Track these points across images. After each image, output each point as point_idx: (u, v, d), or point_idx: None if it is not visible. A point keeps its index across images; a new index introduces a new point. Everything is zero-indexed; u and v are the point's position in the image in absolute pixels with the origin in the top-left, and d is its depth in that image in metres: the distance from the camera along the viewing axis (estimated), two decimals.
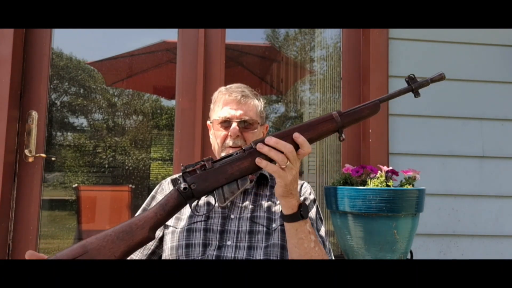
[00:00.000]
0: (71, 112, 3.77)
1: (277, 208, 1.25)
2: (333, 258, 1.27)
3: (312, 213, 1.27)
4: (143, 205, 1.33)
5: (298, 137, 1.01)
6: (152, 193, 1.36)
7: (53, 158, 2.16)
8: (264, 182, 1.34)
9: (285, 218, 1.08)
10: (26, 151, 1.95)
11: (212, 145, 1.38)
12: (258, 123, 1.33)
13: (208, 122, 1.41)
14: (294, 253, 1.10)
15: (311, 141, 1.04)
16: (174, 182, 1.03)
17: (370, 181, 1.28)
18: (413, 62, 2.12)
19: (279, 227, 1.20)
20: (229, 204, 1.25)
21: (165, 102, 4.18)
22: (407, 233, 1.26)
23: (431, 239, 2.02)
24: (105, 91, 4.03)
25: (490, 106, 2.12)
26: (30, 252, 0.93)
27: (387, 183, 1.27)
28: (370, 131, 2.05)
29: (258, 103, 1.37)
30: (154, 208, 1.00)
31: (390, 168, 1.33)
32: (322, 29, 2.66)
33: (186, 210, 1.24)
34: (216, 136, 1.33)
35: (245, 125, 1.30)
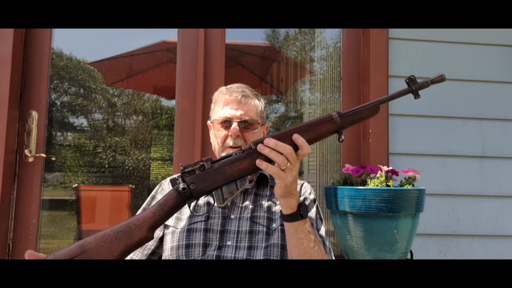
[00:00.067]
0: (71, 112, 3.77)
1: (277, 208, 1.25)
2: (333, 258, 1.27)
3: (312, 213, 1.27)
4: (143, 205, 1.33)
5: (297, 138, 1.01)
6: (152, 193, 1.36)
7: (53, 158, 2.16)
8: (264, 182, 1.34)
9: (285, 217, 1.08)
10: (26, 151, 1.95)
11: (212, 145, 1.38)
12: (259, 123, 1.33)
13: (209, 122, 1.41)
14: (294, 253, 1.10)
15: (310, 142, 1.04)
16: (173, 182, 1.03)
17: (370, 181, 1.28)
18: (413, 62, 2.12)
19: (279, 227, 1.20)
20: (229, 204, 1.25)
21: (165, 102, 4.18)
22: (407, 233, 1.26)
23: (431, 239, 2.02)
24: (105, 91, 4.03)
25: (490, 106, 2.12)
26: (29, 252, 0.93)
27: (387, 183, 1.27)
28: (370, 131, 2.05)
29: (259, 103, 1.37)
30: (153, 208, 1.00)
31: (390, 168, 1.33)
32: (322, 29, 2.66)
33: (186, 210, 1.24)
34: (216, 136, 1.33)
35: (246, 125, 1.30)
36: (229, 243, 1.18)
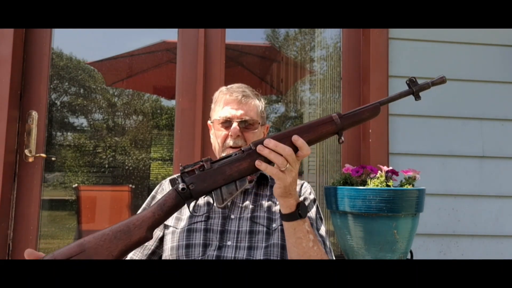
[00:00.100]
0: (71, 112, 3.77)
1: (277, 208, 1.25)
2: (334, 258, 1.27)
3: (312, 212, 1.27)
4: (143, 205, 1.33)
5: (297, 140, 1.01)
6: (153, 193, 1.36)
7: (53, 158, 2.16)
8: (264, 182, 1.34)
9: (284, 217, 1.09)
10: (26, 151, 1.95)
11: (212, 145, 1.38)
12: (259, 123, 1.33)
13: (209, 122, 1.41)
14: (293, 253, 1.10)
15: (310, 143, 1.04)
16: (173, 182, 1.03)
17: (370, 181, 1.28)
18: (413, 62, 2.12)
19: (279, 227, 1.20)
20: (229, 204, 1.25)
21: (165, 102, 4.18)
22: (407, 233, 1.26)
23: (431, 239, 2.02)
24: (105, 91, 4.03)
25: (490, 106, 2.12)
26: (29, 251, 0.93)
27: (387, 183, 1.27)
28: (370, 131, 2.05)
29: (259, 103, 1.37)
30: (152, 208, 1.00)
31: (390, 168, 1.33)
32: (322, 29, 2.66)
33: (187, 211, 1.24)
34: (216, 136, 1.33)
35: (246, 125, 1.30)
36: (229, 243, 1.18)
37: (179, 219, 1.26)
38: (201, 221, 1.22)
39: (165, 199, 1.01)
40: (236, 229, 1.21)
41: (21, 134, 1.97)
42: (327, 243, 1.24)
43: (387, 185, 1.26)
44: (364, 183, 1.32)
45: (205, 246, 1.18)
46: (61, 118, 3.64)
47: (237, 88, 1.35)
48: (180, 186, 1.01)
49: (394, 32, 2.12)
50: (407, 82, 1.11)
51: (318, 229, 1.25)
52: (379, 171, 1.31)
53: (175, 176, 1.05)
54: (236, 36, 2.97)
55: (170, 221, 1.25)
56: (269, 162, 1.00)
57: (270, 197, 1.29)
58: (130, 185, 3.62)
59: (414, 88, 1.10)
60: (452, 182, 2.06)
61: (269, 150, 0.99)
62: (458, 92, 2.10)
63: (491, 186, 2.08)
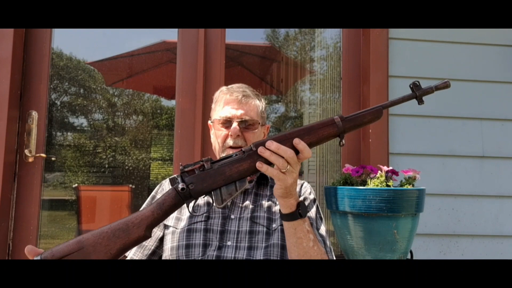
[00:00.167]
0: (71, 112, 3.77)
1: (277, 208, 1.25)
2: (334, 257, 1.27)
3: (312, 212, 1.27)
4: (144, 205, 1.33)
5: (298, 143, 1.01)
6: (153, 193, 1.36)
7: (53, 158, 2.16)
8: (264, 182, 1.34)
9: (284, 217, 1.08)
10: (26, 151, 1.95)
11: (212, 145, 1.38)
12: (259, 123, 1.33)
13: (209, 122, 1.40)
14: (293, 252, 1.10)
15: (311, 145, 1.03)
16: (173, 181, 1.03)
17: (370, 181, 1.28)
18: (413, 62, 2.12)
19: (279, 227, 1.20)
20: (229, 204, 1.25)
21: (165, 102, 4.18)
22: (407, 233, 1.26)
23: (431, 239, 2.02)
24: (105, 91, 4.03)
25: (490, 106, 2.12)
26: (29, 247, 0.94)
27: (387, 183, 1.27)
28: (370, 131, 2.05)
29: (259, 103, 1.37)
30: (152, 207, 1.00)
31: (390, 168, 1.33)
32: (322, 29, 2.66)
33: (187, 211, 1.24)
34: (216, 135, 1.33)
35: (246, 125, 1.29)
36: (229, 243, 1.18)
37: (179, 219, 1.25)
38: (201, 221, 1.22)
39: (165, 198, 1.01)
40: (236, 229, 1.21)
41: (21, 134, 1.97)
42: (327, 242, 1.24)
43: (387, 185, 1.26)
44: (364, 183, 1.32)
45: (205, 246, 1.18)
46: (61, 118, 3.64)
47: (237, 88, 1.35)
48: (180, 186, 1.01)
49: (394, 32, 2.12)
50: (411, 86, 1.10)
51: (318, 229, 1.25)
52: (379, 171, 1.31)
53: (175, 175, 1.05)
54: (236, 36, 2.97)
55: (170, 221, 1.25)
56: (270, 163, 1.00)
57: (270, 197, 1.29)
58: (130, 185, 3.62)
59: (418, 92, 1.09)
60: (452, 182, 2.06)
61: (270, 152, 0.99)
62: (458, 92, 2.10)
63: (491, 186, 2.08)
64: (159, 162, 4.33)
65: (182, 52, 2.12)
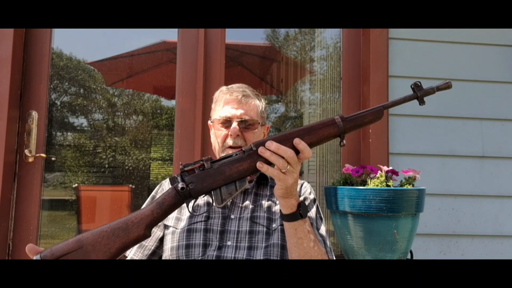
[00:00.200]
0: (71, 112, 3.77)
1: (277, 208, 1.25)
2: (334, 257, 1.27)
3: (312, 212, 1.27)
4: (143, 205, 1.33)
5: (298, 143, 1.00)
6: (153, 193, 1.36)
7: (53, 158, 2.16)
8: (264, 182, 1.34)
9: (284, 217, 1.08)
10: (26, 151, 1.95)
11: (212, 144, 1.38)
12: (259, 123, 1.33)
13: (209, 122, 1.40)
14: (294, 253, 1.10)
15: (311, 145, 1.03)
16: (173, 181, 1.03)
17: (370, 181, 1.28)
18: (413, 62, 2.12)
19: (279, 227, 1.20)
20: (229, 204, 1.25)
21: (165, 102, 4.18)
22: (407, 233, 1.26)
23: (431, 239, 2.02)
24: (105, 91, 4.03)
25: (490, 106, 2.12)
26: (30, 246, 0.94)
27: (387, 183, 1.27)
28: (370, 131, 2.05)
29: (259, 103, 1.36)
30: (151, 206, 1.00)
31: (390, 168, 1.33)
32: (322, 29, 2.66)
33: (187, 211, 1.24)
34: (216, 135, 1.33)
35: (246, 125, 1.29)
36: (229, 243, 1.18)
37: (179, 219, 1.25)
38: (201, 221, 1.22)
39: (164, 197, 1.01)
40: (236, 229, 1.21)
41: (21, 134, 1.97)
42: (327, 242, 1.24)
43: (387, 185, 1.26)
44: (364, 183, 1.32)
45: (205, 246, 1.18)
46: (61, 118, 3.64)
47: (237, 88, 1.35)
48: (180, 185, 1.00)
49: (394, 32, 2.12)
50: (412, 86, 1.09)
51: (318, 229, 1.25)
52: (379, 171, 1.31)
53: (175, 175, 1.05)
54: (236, 36, 2.97)
55: (170, 221, 1.25)
56: (270, 163, 1.00)
57: (270, 197, 1.29)
58: (130, 185, 3.62)
59: (419, 93, 1.09)
60: (452, 182, 2.06)
61: (271, 152, 0.99)
62: (458, 92, 2.10)
63: (491, 186, 2.08)
64: (159, 162, 4.33)
65: (182, 52, 2.12)
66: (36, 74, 2.02)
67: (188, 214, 1.24)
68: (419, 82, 1.09)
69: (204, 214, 1.23)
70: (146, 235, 0.98)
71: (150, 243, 1.26)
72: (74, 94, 3.82)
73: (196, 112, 2.04)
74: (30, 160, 1.97)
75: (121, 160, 3.84)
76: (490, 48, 2.16)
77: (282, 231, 1.15)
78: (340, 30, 2.34)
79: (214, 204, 1.02)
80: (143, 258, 1.26)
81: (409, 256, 1.33)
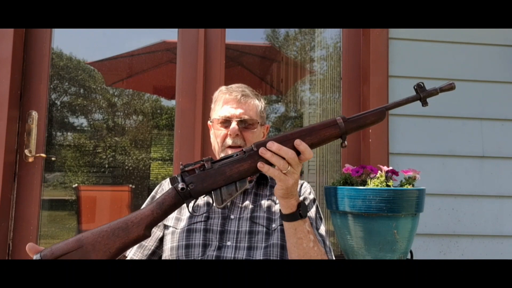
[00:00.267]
0: (71, 112, 3.77)
1: (276, 208, 1.25)
2: (333, 257, 1.27)
3: (312, 212, 1.27)
4: (143, 206, 1.33)
5: (299, 144, 1.00)
6: (153, 193, 1.36)
7: (53, 158, 2.16)
8: (263, 182, 1.34)
9: (284, 217, 1.08)
10: (26, 151, 1.95)
11: (212, 144, 1.38)
12: (258, 123, 1.33)
13: (209, 122, 1.40)
14: (294, 253, 1.10)
15: (312, 146, 1.02)
16: (173, 181, 1.03)
17: (370, 181, 1.28)
18: (413, 62, 2.12)
19: (279, 227, 1.20)
20: (229, 204, 1.25)
21: (165, 102, 4.18)
22: (407, 233, 1.26)
23: (431, 239, 2.02)
24: (105, 91, 4.03)
25: (490, 106, 2.12)
26: (30, 245, 0.94)
27: (387, 183, 1.27)
28: (370, 131, 2.05)
29: (259, 103, 1.36)
30: (151, 206, 1.00)
31: (390, 168, 1.33)
32: (322, 29, 2.66)
33: (186, 211, 1.24)
34: (216, 135, 1.33)
35: (245, 125, 1.29)
36: (228, 243, 1.18)
37: (179, 220, 1.25)
38: (201, 221, 1.22)
39: (164, 197, 1.01)
40: (236, 229, 1.21)
41: (21, 134, 1.97)
42: (327, 242, 1.24)
43: (387, 185, 1.26)
44: (364, 183, 1.32)
45: (205, 246, 1.18)
46: (61, 118, 3.64)
47: (236, 88, 1.35)
48: (180, 185, 1.00)
49: (394, 32, 2.12)
50: (415, 87, 1.08)
51: (317, 229, 1.25)
52: (379, 171, 1.31)
53: (175, 175, 1.05)
54: (236, 36, 2.97)
55: (170, 222, 1.25)
56: (271, 164, 1.00)
57: (270, 197, 1.28)
58: (130, 185, 3.62)
59: (422, 94, 1.08)
60: (452, 182, 2.06)
61: (271, 153, 0.98)
62: (458, 92, 2.08)
63: (491, 186, 2.08)
64: (159, 162, 4.33)
65: (182, 52, 2.12)
66: (36, 74, 2.02)
67: (188, 214, 1.24)
68: (422, 83, 1.08)
69: (204, 214, 1.23)
70: (146, 235, 0.98)
71: (150, 243, 1.26)
72: (74, 94, 3.82)
73: (196, 112, 2.04)
74: (30, 160, 1.97)
75: (121, 160, 3.84)
76: (490, 48, 2.16)
77: (282, 231, 1.15)
78: (340, 30, 2.34)
79: (214, 204, 1.02)
80: (143, 258, 1.26)
81: (409, 256, 1.33)
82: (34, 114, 1.98)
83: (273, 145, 0.99)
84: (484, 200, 2.07)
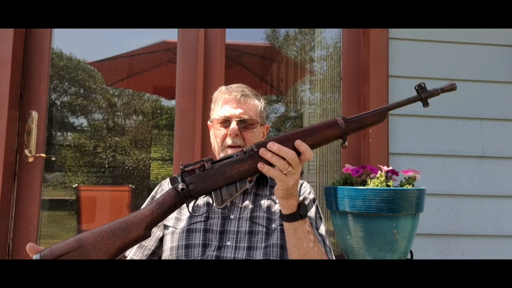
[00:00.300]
0: (71, 112, 3.77)
1: (276, 208, 1.25)
2: (333, 257, 1.27)
3: (312, 212, 1.27)
4: (143, 206, 1.33)
5: (300, 145, 1.00)
6: (152, 193, 1.36)
7: (53, 158, 2.16)
8: (263, 182, 1.34)
9: (284, 217, 1.08)
10: (26, 151, 1.95)
11: (212, 144, 1.38)
12: (258, 122, 1.32)
13: (209, 122, 1.40)
14: (294, 253, 1.10)
15: (313, 146, 1.02)
16: (173, 181, 1.03)
17: (370, 181, 1.28)
18: (413, 62, 2.12)
19: (279, 227, 1.20)
20: (228, 204, 1.25)
21: (165, 102, 4.18)
22: (407, 233, 1.26)
23: (431, 239, 2.02)
24: (105, 91, 4.03)
25: (490, 106, 2.12)
26: (30, 245, 0.94)
27: (387, 183, 1.27)
28: (370, 131, 2.05)
29: (258, 103, 1.36)
30: (151, 206, 1.00)
31: (390, 168, 1.33)
32: (322, 29, 2.66)
33: (186, 211, 1.24)
34: (216, 135, 1.33)
35: (245, 124, 1.29)
36: (228, 243, 1.18)
37: (179, 220, 1.25)
38: (201, 221, 1.22)
39: (164, 198, 1.01)
40: (236, 229, 1.21)
41: (21, 134, 1.97)
42: (327, 242, 1.24)
43: (387, 185, 1.26)
44: (364, 183, 1.32)
45: (205, 246, 1.18)
46: (61, 118, 3.64)
47: (236, 88, 1.35)
48: (180, 186, 1.00)
49: (394, 32, 2.12)
50: (416, 88, 1.08)
51: (317, 228, 1.25)
52: (379, 171, 1.31)
53: (175, 175, 1.05)
54: (236, 36, 2.97)
55: (169, 222, 1.25)
56: (271, 164, 1.00)
57: (270, 197, 1.28)
58: (130, 185, 3.62)
59: (423, 95, 1.07)
60: (452, 182, 2.06)
61: (272, 154, 0.98)
62: (458, 92, 2.07)
63: (491, 186, 2.08)
64: (159, 162, 4.33)
65: (182, 52, 2.12)
66: (36, 74, 2.02)
67: (188, 214, 1.24)
68: (423, 84, 1.07)
69: (204, 215, 1.23)
70: (146, 235, 0.98)
71: (150, 243, 1.26)
72: (74, 94, 3.82)
73: (196, 112, 2.04)
74: (30, 160, 1.97)
75: (121, 160, 3.84)
76: (490, 48, 2.15)
77: (282, 231, 1.15)
78: (340, 30, 2.34)
79: (214, 204, 1.02)
80: (143, 258, 1.26)
81: (409, 256, 1.33)
82: (34, 114, 1.98)
83: (274, 146, 0.98)
84: (484, 200, 2.07)
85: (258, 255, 1.16)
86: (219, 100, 1.35)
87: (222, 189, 1.02)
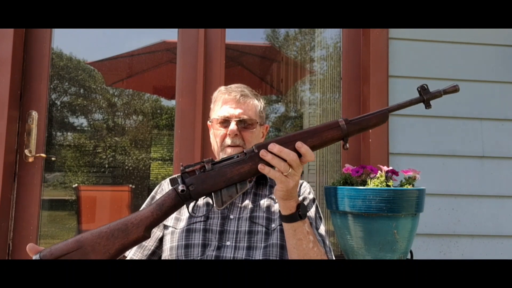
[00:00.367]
0: (71, 112, 3.78)
1: (276, 208, 1.25)
2: (333, 257, 1.27)
3: (312, 212, 1.27)
4: (143, 206, 1.33)
5: (301, 147, 0.99)
6: (152, 193, 1.36)
7: (53, 158, 2.16)
8: (263, 182, 1.34)
9: (284, 218, 1.08)
10: (26, 151, 1.95)
11: (212, 144, 1.38)
12: (257, 122, 1.32)
13: (208, 122, 1.40)
14: (293, 254, 1.10)
15: (314, 148, 1.02)
16: (173, 182, 1.03)
17: (370, 181, 1.28)
18: (413, 62, 2.12)
19: (278, 227, 1.20)
20: (228, 204, 1.25)
21: (165, 102, 4.19)
22: (407, 233, 1.26)
23: (431, 239, 2.02)
24: (105, 91, 4.04)
25: (490, 106, 2.12)
26: (30, 245, 0.94)
27: (387, 183, 1.26)
28: (370, 131, 2.05)
29: (258, 103, 1.36)
30: (151, 207, 1.00)
31: (390, 168, 1.33)
32: (322, 29, 2.66)
33: (186, 211, 1.24)
34: (215, 135, 1.33)
35: (244, 124, 1.29)
36: (228, 243, 1.18)
37: (179, 220, 1.25)
38: (200, 221, 1.22)
39: (164, 199, 1.00)
40: (235, 229, 1.21)
41: (21, 134, 1.97)
42: (327, 242, 1.24)
43: (387, 185, 1.26)
44: (364, 183, 1.32)
45: (204, 246, 1.18)
46: (61, 118, 3.64)
47: (235, 88, 1.35)
48: (180, 187, 1.00)
49: (394, 32, 2.12)
50: (418, 89, 1.06)
51: (317, 228, 1.25)
52: (379, 171, 1.31)
53: (175, 176, 1.05)
54: (236, 36, 2.97)
55: (169, 222, 1.25)
56: (272, 165, 1.00)
57: (269, 197, 1.28)
58: (130, 185, 3.62)
59: (425, 96, 1.06)
60: (452, 182, 2.06)
61: (272, 155, 0.97)
62: (458, 92, 2.09)
63: (491, 186, 2.08)
64: (159, 162, 4.33)
65: (182, 52, 2.12)
66: (36, 74, 2.02)
67: (187, 214, 1.23)
68: (426, 85, 1.06)
69: (204, 215, 1.23)
70: (146, 236, 0.97)
71: (149, 243, 1.26)
72: (74, 94, 3.82)
73: (196, 112, 2.04)
74: (30, 160, 1.97)
75: (121, 160, 3.85)
76: (490, 48, 2.15)
77: (281, 231, 1.15)
78: (340, 30, 2.34)
79: (214, 205, 1.02)
80: (142, 258, 1.26)
81: (409, 256, 1.33)
82: (34, 114, 1.98)
83: (274, 147, 0.98)
84: (484, 200, 2.07)
85: (258, 255, 1.16)
86: (219, 100, 1.35)
87: (222, 190, 1.01)
